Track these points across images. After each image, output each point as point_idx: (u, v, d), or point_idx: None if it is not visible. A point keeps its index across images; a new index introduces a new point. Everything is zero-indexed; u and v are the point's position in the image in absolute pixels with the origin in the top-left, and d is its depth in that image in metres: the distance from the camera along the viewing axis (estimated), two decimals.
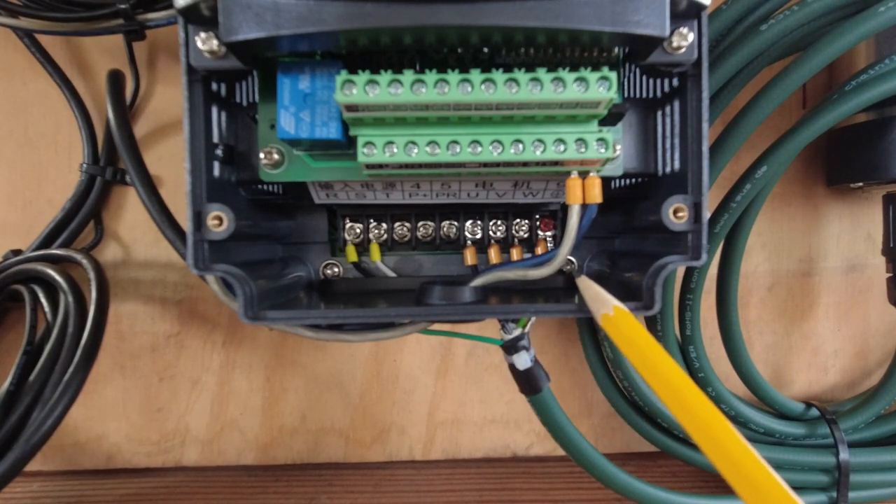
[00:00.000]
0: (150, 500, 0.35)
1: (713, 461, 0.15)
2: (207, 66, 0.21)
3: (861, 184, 0.34)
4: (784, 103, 0.30)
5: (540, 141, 0.21)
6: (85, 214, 0.36)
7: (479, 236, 0.31)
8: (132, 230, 0.37)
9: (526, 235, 0.31)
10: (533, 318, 0.27)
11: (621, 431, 0.38)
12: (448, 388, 0.38)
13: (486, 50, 0.25)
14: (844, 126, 0.34)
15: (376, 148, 0.21)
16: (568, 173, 0.23)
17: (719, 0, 0.31)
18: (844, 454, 0.33)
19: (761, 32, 0.29)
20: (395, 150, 0.21)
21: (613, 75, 0.20)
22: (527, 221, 0.31)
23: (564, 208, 0.30)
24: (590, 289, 0.22)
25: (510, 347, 0.27)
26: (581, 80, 0.20)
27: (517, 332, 0.27)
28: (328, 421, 0.38)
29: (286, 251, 0.31)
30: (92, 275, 0.31)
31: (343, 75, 0.20)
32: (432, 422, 0.38)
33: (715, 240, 0.31)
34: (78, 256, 0.32)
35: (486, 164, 0.22)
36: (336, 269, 0.31)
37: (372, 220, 0.31)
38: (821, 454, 0.33)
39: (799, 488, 0.34)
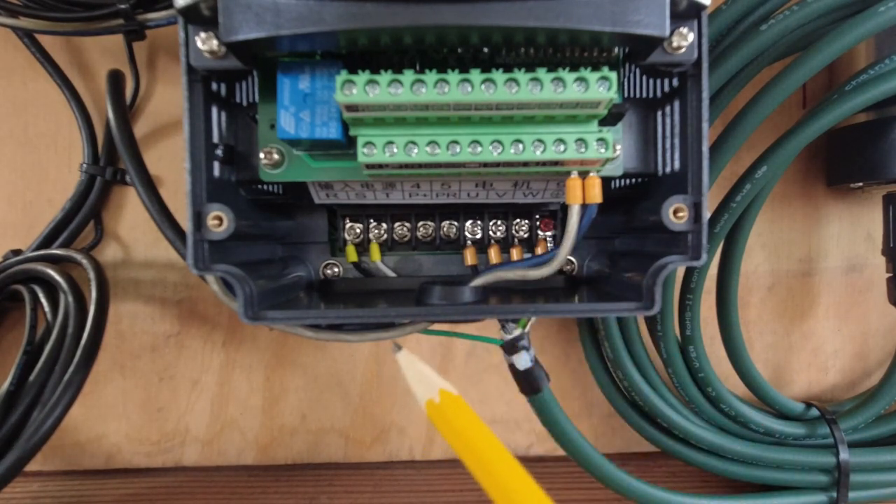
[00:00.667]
0: (150, 500, 0.35)
1: None
2: (207, 66, 0.21)
3: (861, 184, 0.34)
4: (784, 103, 0.30)
5: (540, 141, 0.21)
6: (85, 214, 0.36)
7: (479, 236, 0.31)
8: (132, 230, 0.37)
9: (526, 235, 0.31)
10: (533, 318, 0.27)
11: (621, 431, 0.38)
12: None
13: (486, 50, 0.25)
14: (844, 126, 0.34)
15: (376, 148, 0.21)
16: (568, 173, 0.23)
17: (719, 0, 0.31)
18: (844, 454, 0.33)
19: (761, 32, 0.29)
20: (395, 150, 0.21)
21: (613, 75, 0.20)
22: (527, 221, 0.31)
23: (564, 208, 0.30)
24: (412, 367, 0.18)
25: (510, 347, 0.27)
26: (581, 80, 0.20)
27: (517, 332, 0.26)
28: (328, 421, 0.38)
29: (286, 251, 0.31)
30: (92, 275, 0.31)
31: (343, 75, 0.20)
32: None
33: (715, 240, 0.31)
34: (78, 256, 0.32)
35: (486, 164, 0.22)
36: (336, 269, 0.31)
37: (372, 220, 0.31)
38: (821, 454, 0.33)
39: (799, 488, 0.34)
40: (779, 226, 0.38)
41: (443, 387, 0.17)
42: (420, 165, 0.22)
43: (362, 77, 0.20)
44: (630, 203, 0.28)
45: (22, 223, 0.36)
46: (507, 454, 0.15)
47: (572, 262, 0.31)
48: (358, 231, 0.31)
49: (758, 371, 0.34)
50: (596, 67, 0.21)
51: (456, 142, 0.21)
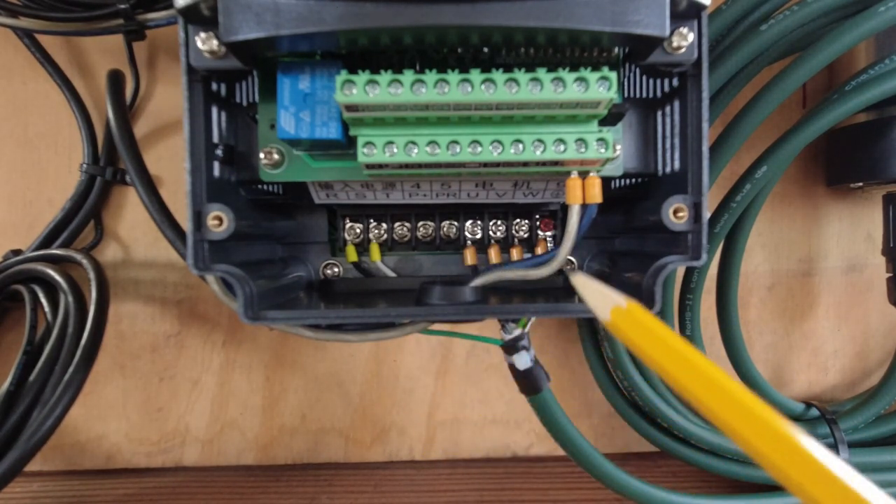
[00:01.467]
0: (150, 500, 0.35)
1: (771, 465, 0.14)
2: (207, 66, 0.21)
3: (861, 184, 0.34)
4: (784, 103, 0.30)
5: (540, 141, 0.21)
6: (85, 214, 0.36)
7: (479, 236, 0.31)
8: (132, 230, 0.37)
9: (526, 235, 0.31)
10: (533, 318, 0.27)
11: (621, 431, 0.38)
12: (448, 388, 0.38)
13: (486, 50, 0.25)
14: (844, 126, 0.34)
15: (376, 148, 0.21)
16: (568, 173, 0.23)
17: (719, 0, 0.31)
18: (844, 454, 0.33)
19: (761, 32, 0.29)
20: (395, 150, 0.21)
21: (613, 75, 0.20)
22: (527, 221, 0.31)
23: (564, 208, 0.30)
24: (589, 286, 0.20)
25: (510, 347, 0.27)
26: (581, 80, 0.20)
27: (517, 332, 0.27)
28: (328, 421, 0.38)
29: (286, 251, 0.31)
30: (92, 275, 0.31)
31: (343, 75, 0.20)
32: (432, 422, 0.38)
33: (715, 240, 0.31)
34: (78, 256, 0.32)
35: (486, 164, 0.22)
36: (336, 269, 0.31)
37: (372, 220, 0.31)
38: None
39: None
40: (779, 226, 0.38)
41: (617, 302, 0.18)
42: (420, 165, 0.22)
43: (362, 77, 0.20)
44: (630, 203, 0.28)
45: (22, 223, 0.36)
46: (698, 355, 0.15)
47: (572, 262, 0.31)
48: (358, 231, 0.31)
49: (758, 371, 0.34)
50: (596, 67, 0.21)
51: (456, 142, 0.21)
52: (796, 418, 0.34)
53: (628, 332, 0.17)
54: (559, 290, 0.30)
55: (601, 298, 0.19)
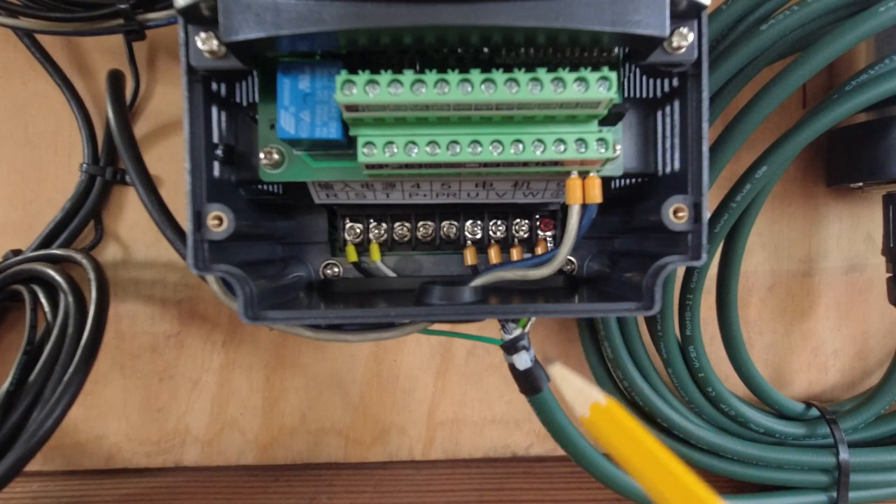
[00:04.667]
0: (150, 500, 0.35)
1: None
2: (207, 66, 0.21)
3: (861, 184, 0.34)
4: (784, 103, 0.30)
5: (540, 141, 0.21)
6: (85, 214, 0.36)
7: (479, 236, 0.31)
8: (132, 230, 0.37)
9: (526, 235, 0.31)
10: (533, 318, 0.27)
11: None
12: (448, 388, 0.38)
13: (486, 50, 0.25)
14: (844, 126, 0.33)
15: (376, 148, 0.21)
16: (568, 173, 0.23)
17: (719, 0, 0.31)
18: (844, 454, 0.33)
19: (761, 32, 0.29)
20: (395, 150, 0.21)
21: (613, 75, 0.20)
22: (527, 221, 0.31)
23: (564, 208, 0.30)
24: (569, 380, 0.18)
25: (510, 347, 0.27)
26: (581, 80, 0.20)
27: (517, 332, 0.27)
28: (328, 421, 0.38)
29: (286, 251, 0.31)
30: (92, 275, 0.31)
31: (343, 75, 0.20)
32: (432, 422, 0.38)
33: (715, 240, 0.31)
34: (78, 256, 0.32)
35: (486, 164, 0.22)
36: (336, 269, 0.31)
37: (372, 220, 0.31)
38: (821, 454, 0.33)
39: (799, 488, 0.34)
40: (779, 226, 0.38)
41: (597, 399, 0.18)
42: (420, 165, 0.22)
43: (362, 77, 0.20)
44: (630, 203, 0.28)
45: (22, 223, 0.36)
46: (671, 458, 0.16)
47: (572, 262, 0.31)
48: (358, 231, 0.31)
49: (758, 371, 0.34)
50: (596, 67, 0.21)
51: (456, 142, 0.21)
52: (796, 418, 0.34)
53: (607, 431, 0.17)
54: (559, 290, 0.30)
55: (580, 394, 0.18)
